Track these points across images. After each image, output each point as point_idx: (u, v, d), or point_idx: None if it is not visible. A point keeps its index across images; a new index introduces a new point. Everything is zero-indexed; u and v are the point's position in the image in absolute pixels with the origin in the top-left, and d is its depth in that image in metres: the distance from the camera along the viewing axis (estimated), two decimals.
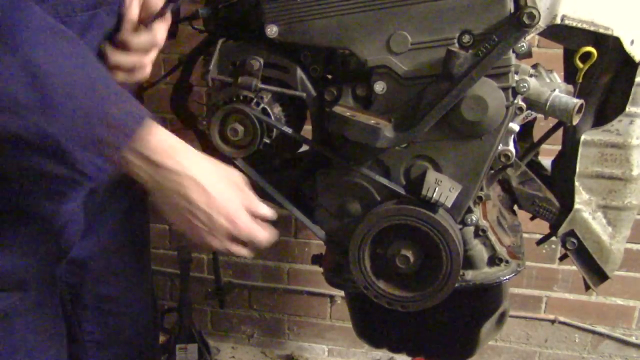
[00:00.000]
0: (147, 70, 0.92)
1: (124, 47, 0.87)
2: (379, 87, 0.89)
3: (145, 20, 0.88)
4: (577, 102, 0.93)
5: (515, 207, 1.13)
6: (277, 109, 0.96)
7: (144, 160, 0.74)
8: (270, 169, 1.02)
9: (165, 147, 0.75)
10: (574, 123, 0.94)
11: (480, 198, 0.97)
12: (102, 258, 1.12)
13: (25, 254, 0.88)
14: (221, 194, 0.78)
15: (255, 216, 0.84)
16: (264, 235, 0.84)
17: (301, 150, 1.06)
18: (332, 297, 2.07)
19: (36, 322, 0.95)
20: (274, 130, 0.95)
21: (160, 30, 0.89)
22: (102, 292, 1.16)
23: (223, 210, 0.78)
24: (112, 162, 0.73)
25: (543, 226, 1.07)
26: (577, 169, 1.01)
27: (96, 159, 0.71)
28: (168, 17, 0.90)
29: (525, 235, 1.17)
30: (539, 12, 0.80)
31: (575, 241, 1.03)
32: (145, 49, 0.89)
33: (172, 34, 0.97)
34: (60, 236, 0.95)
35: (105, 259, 1.13)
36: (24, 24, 0.67)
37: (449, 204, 0.90)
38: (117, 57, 0.87)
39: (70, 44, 0.71)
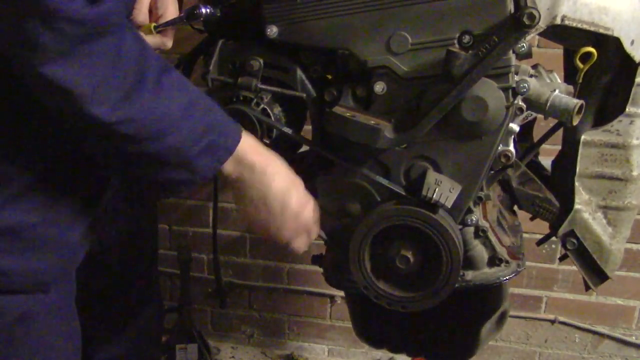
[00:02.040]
0: None
1: None
2: (379, 87, 0.89)
3: (156, 21, 0.94)
4: (578, 102, 0.93)
5: (515, 207, 1.13)
6: (277, 110, 0.96)
7: (241, 159, 0.87)
8: None
9: (256, 147, 0.89)
10: (574, 123, 0.94)
11: (480, 198, 0.97)
12: (111, 253, 1.13)
13: (48, 255, 0.89)
14: (295, 191, 0.91)
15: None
16: (315, 233, 0.97)
17: (301, 150, 1.06)
18: (332, 297, 2.07)
19: (54, 323, 0.96)
20: (274, 130, 0.95)
21: (170, 34, 0.96)
22: (109, 287, 1.17)
23: (293, 204, 0.91)
24: (222, 163, 0.85)
25: (543, 226, 1.07)
26: (577, 169, 1.01)
27: (211, 163, 0.84)
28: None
29: (525, 235, 1.17)
30: (539, 13, 0.80)
31: (575, 241, 1.03)
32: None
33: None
34: (84, 237, 0.95)
35: (114, 253, 1.14)
36: (148, 64, 0.78)
37: (449, 204, 0.90)
38: None
39: (174, 73, 0.82)
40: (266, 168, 0.89)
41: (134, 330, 1.27)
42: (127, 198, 1.12)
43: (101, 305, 1.19)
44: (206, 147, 0.82)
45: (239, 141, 0.86)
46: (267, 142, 0.95)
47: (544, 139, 1.12)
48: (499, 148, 0.92)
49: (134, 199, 1.15)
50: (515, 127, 0.94)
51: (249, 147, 0.87)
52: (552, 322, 1.97)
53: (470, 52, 0.84)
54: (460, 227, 0.96)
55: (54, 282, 0.92)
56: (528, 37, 0.87)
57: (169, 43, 0.97)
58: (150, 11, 0.96)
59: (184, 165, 0.82)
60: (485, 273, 1.01)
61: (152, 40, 0.93)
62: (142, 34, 0.92)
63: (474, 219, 0.97)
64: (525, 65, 0.97)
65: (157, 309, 1.35)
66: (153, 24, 0.93)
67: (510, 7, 0.83)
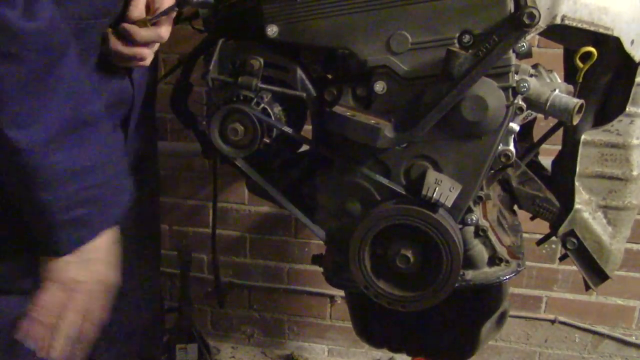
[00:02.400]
0: (149, 60, 0.95)
1: (127, 38, 0.90)
2: (379, 87, 0.89)
3: (152, 15, 0.91)
4: (577, 102, 0.93)
5: (515, 207, 1.13)
6: (277, 109, 0.96)
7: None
8: (270, 168, 1.02)
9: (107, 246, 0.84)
10: (574, 123, 0.94)
11: (480, 198, 0.97)
12: None
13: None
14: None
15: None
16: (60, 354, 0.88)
17: (301, 150, 1.06)
18: (332, 297, 2.07)
19: None
20: (274, 130, 0.95)
21: (165, 25, 0.92)
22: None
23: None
24: (83, 243, 0.80)
25: (543, 226, 1.07)
26: (577, 169, 1.01)
27: (74, 240, 0.79)
28: (172, 14, 0.93)
29: (525, 235, 1.16)
30: (539, 12, 0.80)
31: (575, 241, 1.03)
32: (148, 43, 0.92)
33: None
34: None
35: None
36: (51, 115, 0.73)
37: (449, 203, 0.90)
38: (119, 46, 0.90)
39: (97, 134, 0.78)
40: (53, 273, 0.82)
41: (135, 331, 1.26)
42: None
43: None
44: (77, 219, 0.78)
45: (108, 227, 0.82)
46: (268, 141, 0.95)
47: (544, 139, 1.12)
48: (499, 147, 0.92)
49: (135, 199, 1.15)
50: (515, 126, 0.94)
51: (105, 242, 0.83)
52: (552, 322, 1.97)
53: (470, 51, 0.84)
54: (460, 226, 0.96)
55: None
56: (528, 37, 0.87)
57: (164, 34, 0.93)
58: (148, 7, 0.95)
59: (45, 228, 0.78)
60: (485, 272, 1.01)
61: (147, 33, 0.91)
62: (137, 27, 0.90)
63: (474, 219, 0.97)
64: (525, 65, 0.97)
65: (158, 307, 1.35)
66: (148, 17, 0.92)
67: (510, 6, 0.83)
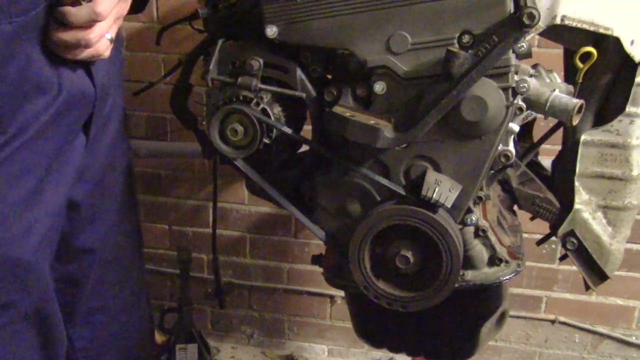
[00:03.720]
0: (100, 48, 0.86)
1: (63, 21, 0.81)
2: (379, 87, 0.89)
3: None
4: (577, 102, 0.93)
5: (515, 207, 1.13)
6: (277, 109, 0.96)
7: None
8: (270, 169, 1.02)
9: None
10: (574, 123, 0.94)
11: (480, 198, 0.97)
12: (96, 273, 1.11)
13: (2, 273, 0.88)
14: None
15: None
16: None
17: (301, 150, 1.06)
18: (332, 297, 2.07)
19: (29, 331, 0.95)
20: (274, 130, 0.95)
21: (103, 3, 0.81)
22: (93, 306, 1.14)
23: None
24: None
25: (543, 226, 1.07)
26: (577, 169, 1.01)
27: None
28: None
29: (525, 235, 1.16)
30: (538, 12, 0.80)
31: (575, 241, 1.03)
32: (85, 23, 0.82)
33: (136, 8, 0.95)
34: (37, 252, 0.94)
35: (99, 273, 1.12)
36: None
37: (448, 204, 0.90)
38: (59, 33, 0.82)
39: None
40: None
41: (121, 338, 1.24)
42: (108, 210, 1.10)
43: (86, 323, 1.15)
44: None
45: None
46: (268, 142, 0.95)
47: (544, 139, 1.12)
48: (499, 148, 0.92)
49: (114, 212, 1.12)
50: (515, 126, 0.94)
51: None
52: (552, 322, 1.97)
53: (470, 51, 0.84)
54: (460, 226, 0.96)
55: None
56: (528, 37, 0.87)
57: (101, 10, 0.81)
58: None
59: None
60: (485, 273, 1.01)
61: (80, 11, 0.81)
62: (70, 7, 0.81)
63: (474, 219, 0.97)
64: (525, 65, 0.97)
65: (145, 312, 1.32)
66: None
67: (510, 6, 0.83)
